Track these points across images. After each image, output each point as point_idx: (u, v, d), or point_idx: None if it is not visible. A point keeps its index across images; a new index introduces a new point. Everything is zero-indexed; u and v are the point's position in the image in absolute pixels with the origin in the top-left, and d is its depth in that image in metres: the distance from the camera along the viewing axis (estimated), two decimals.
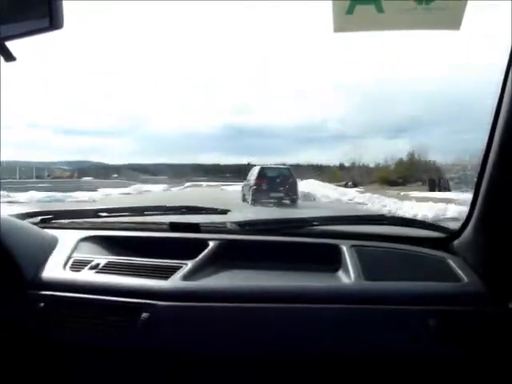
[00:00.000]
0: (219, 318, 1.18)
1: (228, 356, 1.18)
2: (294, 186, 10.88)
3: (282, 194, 10.19)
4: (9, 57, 0.91)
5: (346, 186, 17.38)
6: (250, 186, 10.61)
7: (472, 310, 1.15)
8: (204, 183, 19.09)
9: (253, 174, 11.20)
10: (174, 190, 16.72)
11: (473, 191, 1.25)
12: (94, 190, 13.84)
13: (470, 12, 1.05)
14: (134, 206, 1.81)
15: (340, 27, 1.11)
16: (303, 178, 15.39)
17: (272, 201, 9.93)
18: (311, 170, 20.06)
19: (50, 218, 1.64)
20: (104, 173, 20.28)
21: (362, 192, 13.72)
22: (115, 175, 19.59)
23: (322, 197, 12.48)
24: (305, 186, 13.40)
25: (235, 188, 13.78)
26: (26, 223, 1.46)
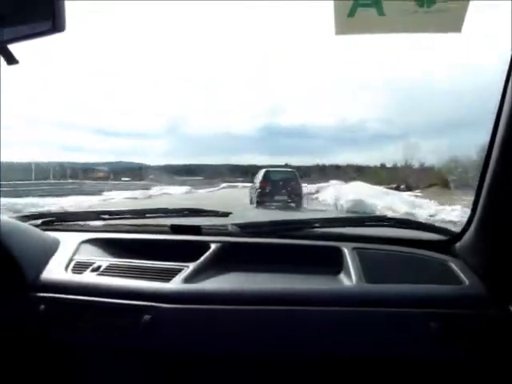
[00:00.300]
0: (220, 321, 1.18)
1: (229, 358, 1.18)
2: (299, 189, 10.89)
3: (285, 197, 10.21)
4: (11, 60, 0.91)
5: (397, 188, 14.86)
6: (256, 189, 10.69)
7: (473, 312, 1.15)
8: (240, 184, 18.50)
9: (258, 177, 11.26)
10: (202, 191, 16.15)
11: (474, 194, 1.25)
12: (98, 193, 13.62)
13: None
14: (137, 208, 1.81)
15: (341, 30, 1.11)
16: (346, 179, 14.41)
17: (276, 204, 9.96)
18: (351, 170, 18.78)
19: (52, 221, 1.64)
20: (140, 174, 20.18)
21: (420, 196, 11.44)
22: (151, 176, 19.42)
23: (384, 208, 8.58)
24: (351, 190, 11.05)
25: None
26: (28, 225, 1.46)
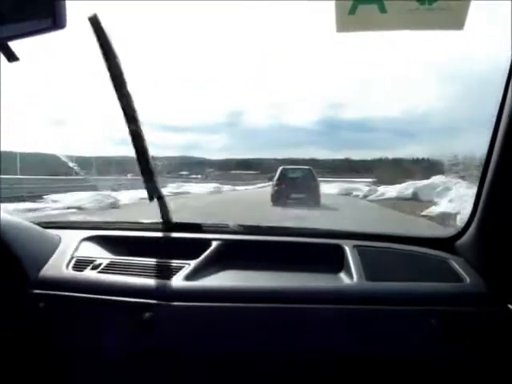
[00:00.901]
0: (222, 318, 1.18)
1: (230, 355, 1.18)
2: (316, 187, 10.48)
3: (302, 195, 10.00)
4: (12, 57, 0.91)
5: None
6: (273, 187, 10.59)
7: (474, 310, 1.15)
8: None
9: (276, 175, 11.02)
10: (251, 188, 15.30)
11: (475, 192, 1.25)
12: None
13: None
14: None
15: (342, 27, 1.10)
16: (423, 175, 10.91)
17: (292, 201, 9.79)
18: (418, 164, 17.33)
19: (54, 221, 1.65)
20: (201, 168, 19.95)
21: None
22: (211, 169, 19.16)
23: None
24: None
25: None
26: (29, 223, 1.46)
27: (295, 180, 10.63)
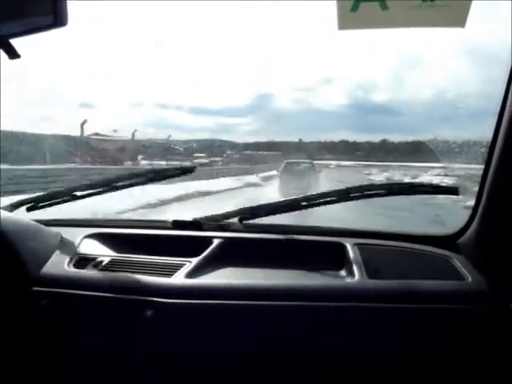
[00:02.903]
0: (223, 316, 1.18)
1: (232, 353, 1.18)
2: (315, 179, 11.32)
3: (303, 186, 10.33)
4: (13, 54, 0.91)
5: None
6: (279, 179, 11.45)
7: (476, 308, 1.15)
8: (333, 162, 16.29)
9: (281, 168, 11.97)
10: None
11: (477, 190, 1.25)
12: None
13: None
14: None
15: (344, 25, 1.10)
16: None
17: (294, 192, 10.13)
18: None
19: (55, 219, 1.65)
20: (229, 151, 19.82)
21: None
22: (243, 152, 18.97)
23: None
24: None
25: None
26: (30, 220, 1.46)
27: (297, 173, 11.31)
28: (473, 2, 1.05)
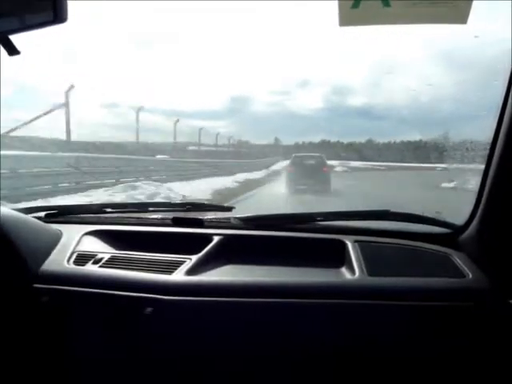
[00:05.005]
0: (223, 313, 1.18)
1: (231, 350, 1.18)
2: (325, 174, 10.54)
3: (312, 182, 9.90)
4: (13, 50, 0.91)
5: None
6: (286, 174, 10.78)
7: (476, 305, 1.15)
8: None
9: (289, 162, 11.29)
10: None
11: (478, 187, 1.24)
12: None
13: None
14: (138, 202, 1.79)
15: (346, 21, 1.10)
16: None
17: (302, 188, 9.73)
18: None
19: (55, 213, 1.65)
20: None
21: None
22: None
23: None
24: None
25: None
26: (31, 218, 1.46)
27: (305, 167, 10.58)
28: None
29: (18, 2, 0.84)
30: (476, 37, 1.26)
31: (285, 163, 15.46)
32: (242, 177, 13.17)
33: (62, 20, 0.83)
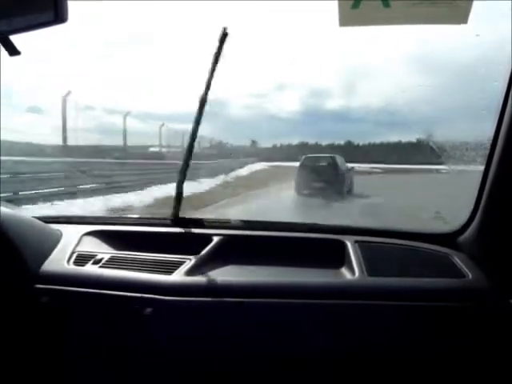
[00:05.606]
0: (222, 313, 1.18)
1: (231, 350, 1.18)
2: (340, 175, 9.77)
3: (323, 184, 9.21)
4: (13, 51, 0.91)
5: None
6: (296, 176, 9.99)
7: (476, 306, 1.15)
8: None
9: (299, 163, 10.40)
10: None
11: (478, 187, 1.24)
12: None
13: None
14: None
15: (346, 22, 1.10)
16: None
17: (313, 191, 9.12)
18: None
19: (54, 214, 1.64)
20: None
21: None
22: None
23: None
24: None
25: None
26: (30, 218, 1.46)
27: (316, 168, 9.90)
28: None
29: (18, 2, 0.84)
30: (477, 35, 1.26)
31: (259, 166, 15.17)
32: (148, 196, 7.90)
33: (63, 20, 0.83)
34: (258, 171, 14.58)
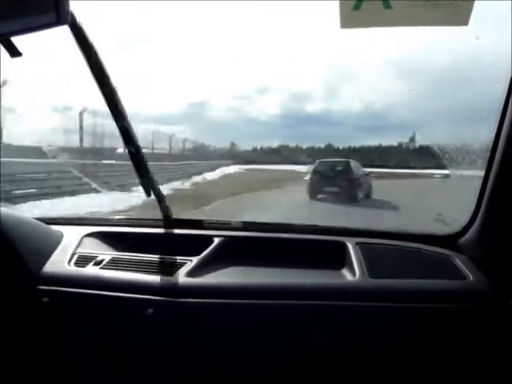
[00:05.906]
0: (223, 315, 1.18)
1: (232, 351, 1.18)
2: (352, 180, 9.60)
3: (336, 189, 9.23)
4: (14, 52, 0.91)
5: None
6: (309, 180, 9.90)
7: (477, 307, 1.15)
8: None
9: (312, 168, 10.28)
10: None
11: (478, 189, 1.24)
12: None
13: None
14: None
15: (347, 23, 1.10)
16: None
17: (325, 196, 9.12)
18: None
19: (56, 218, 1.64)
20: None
21: None
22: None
23: None
24: None
25: None
26: (31, 219, 1.46)
27: (329, 173, 9.74)
28: (475, 1, 1.05)
29: (20, 3, 0.84)
30: (477, 38, 1.26)
31: (232, 169, 14.77)
32: None
33: (65, 21, 0.83)
34: (228, 175, 13.90)
